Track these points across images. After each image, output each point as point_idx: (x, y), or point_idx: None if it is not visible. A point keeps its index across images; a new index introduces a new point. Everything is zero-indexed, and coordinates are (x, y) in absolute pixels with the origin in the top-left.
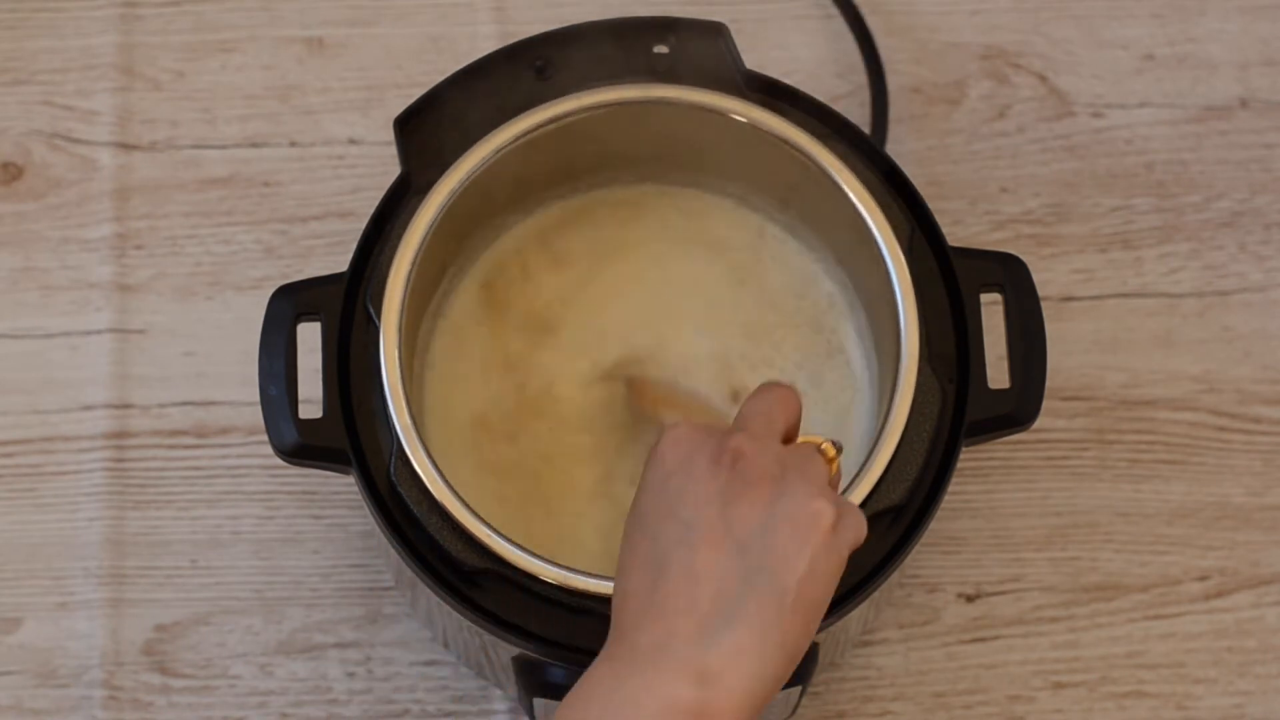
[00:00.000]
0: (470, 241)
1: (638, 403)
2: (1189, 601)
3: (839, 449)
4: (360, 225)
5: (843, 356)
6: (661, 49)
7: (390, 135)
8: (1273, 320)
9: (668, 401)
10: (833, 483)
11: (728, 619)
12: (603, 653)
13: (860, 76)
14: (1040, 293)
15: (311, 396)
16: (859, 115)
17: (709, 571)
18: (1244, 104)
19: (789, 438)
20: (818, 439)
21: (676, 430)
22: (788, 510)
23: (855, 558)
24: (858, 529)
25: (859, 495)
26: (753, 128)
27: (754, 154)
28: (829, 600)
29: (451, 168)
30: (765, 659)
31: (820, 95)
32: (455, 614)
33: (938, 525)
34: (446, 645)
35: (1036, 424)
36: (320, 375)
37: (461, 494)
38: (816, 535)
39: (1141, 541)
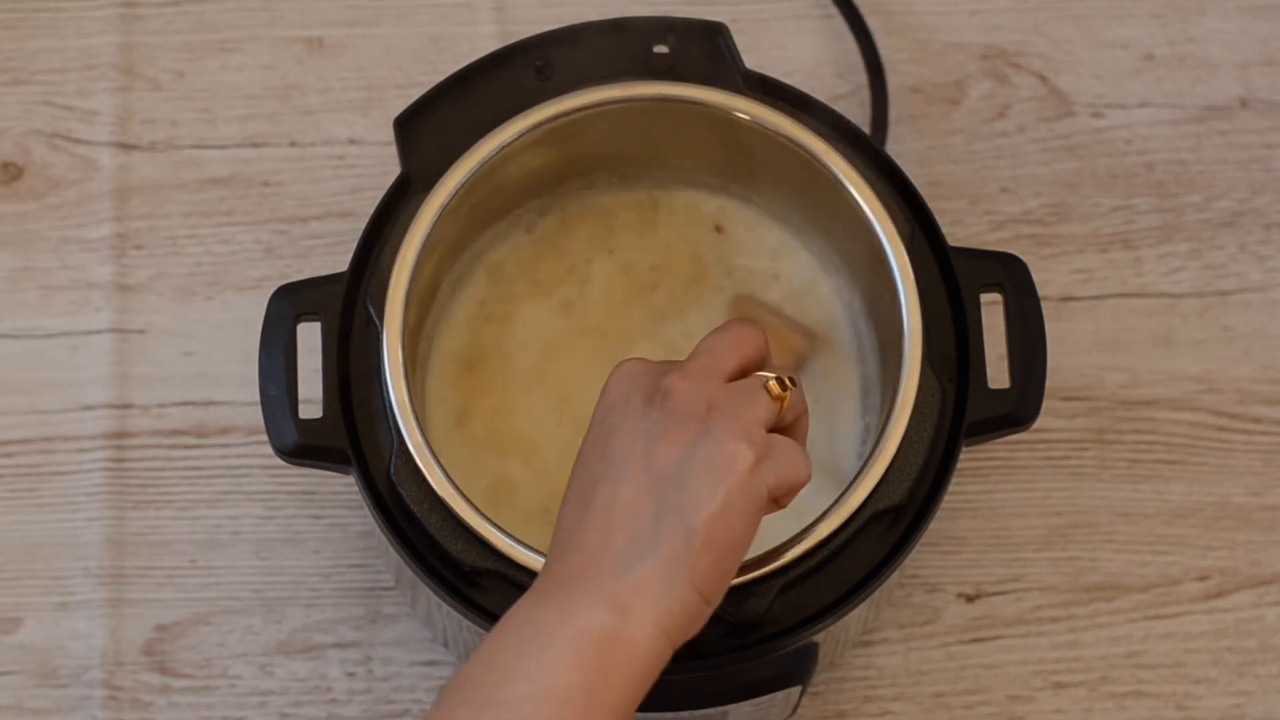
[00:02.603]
0: (471, 241)
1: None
2: (1189, 601)
3: (789, 384)
4: (360, 225)
5: (842, 356)
6: (661, 49)
7: (390, 135)
8: (1273, 320)
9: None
10: (782, 418)
11: (640, 554)
12: (530, 587)
13: (860, 76)
14: (1040, 293)
15: (311, 396)
16: (859, 115)
17: (627, 507)
18: (1244, 104)
19: (743, 373)
20: (767, 374)
21: (623, 366)
22: (706, 452)
23: (855, 557)
24: (790, 469)
25: (859, 495)
26: (754, 125)
27: (755, 151)
28: (748, 539)
29: (451, 168)
30: (673, 595)
31: (820, 95)
32: (455, 614)
33: (938, 525)
34: (446, 645)
35: (1036, 424)
36: (320, 375)
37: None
38: (732, 476)
39: (1141, 541)
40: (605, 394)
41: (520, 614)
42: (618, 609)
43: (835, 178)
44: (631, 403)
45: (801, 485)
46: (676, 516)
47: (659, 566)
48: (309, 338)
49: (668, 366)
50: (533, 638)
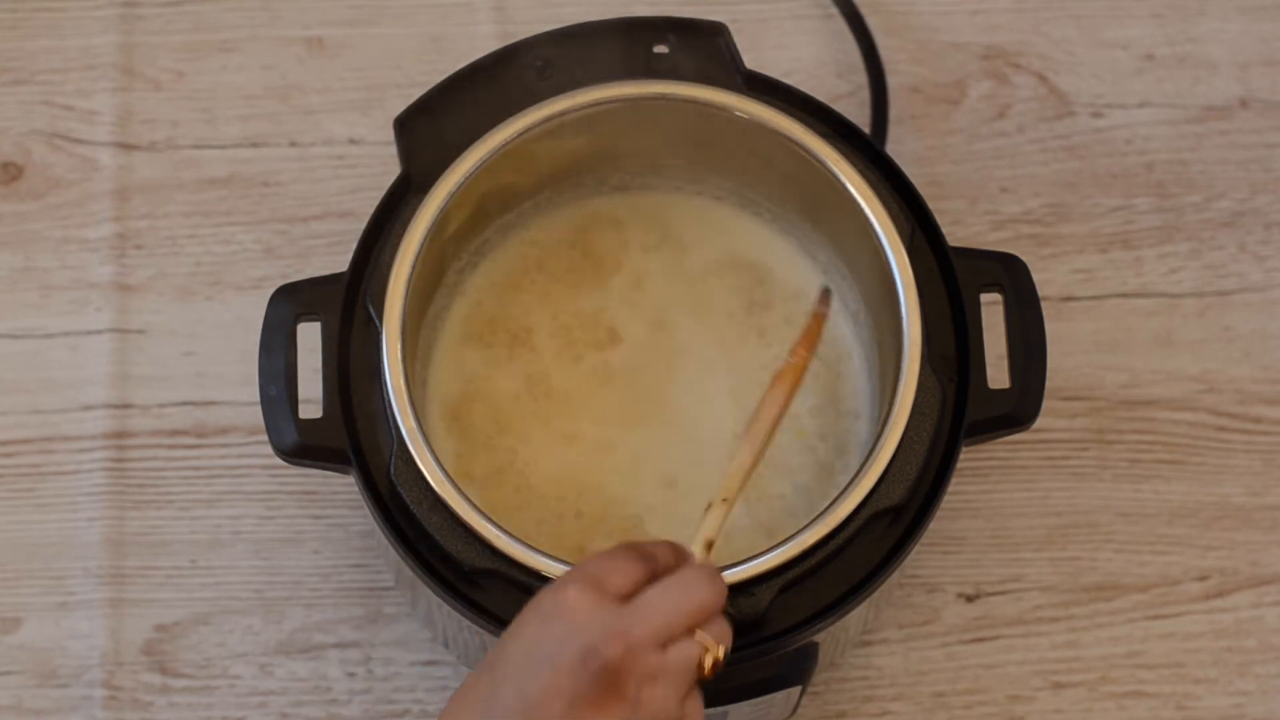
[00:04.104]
0: (471, 241)
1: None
2: (1189, 601)
3: (726, 657)
4: (360, 225)
5: (842, 356)
6: (661, 49)
7: (390, 135)
8: (1273, 320)
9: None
10: (709, 671)
11: None
12: None
13: (860, 76)
14: (1040, 293)
15: (311, 396)
16: (859, 115)
17: None
18: (1244, 104)
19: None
20: (712, 644)
21: (569, 595)
22: None
23: (855, 557)
24: None
25: (859, 495)
26: (754, 124)
27: (755, 151)
28: None
29: (451, 167)
30: None
31: (820, 95)
32: (455, 614)
33: (938, 525)
34: (446, 645)
35: (1036, 424)
36: (320, 375)
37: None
38: None
39: (1141, 541)
40: (539, 615)
41: None
42: None
43: (835, 178)
44: (566, 649)
45: None
46: None
47: None
48: (309, 338)
49: (613, 624)
50: None
